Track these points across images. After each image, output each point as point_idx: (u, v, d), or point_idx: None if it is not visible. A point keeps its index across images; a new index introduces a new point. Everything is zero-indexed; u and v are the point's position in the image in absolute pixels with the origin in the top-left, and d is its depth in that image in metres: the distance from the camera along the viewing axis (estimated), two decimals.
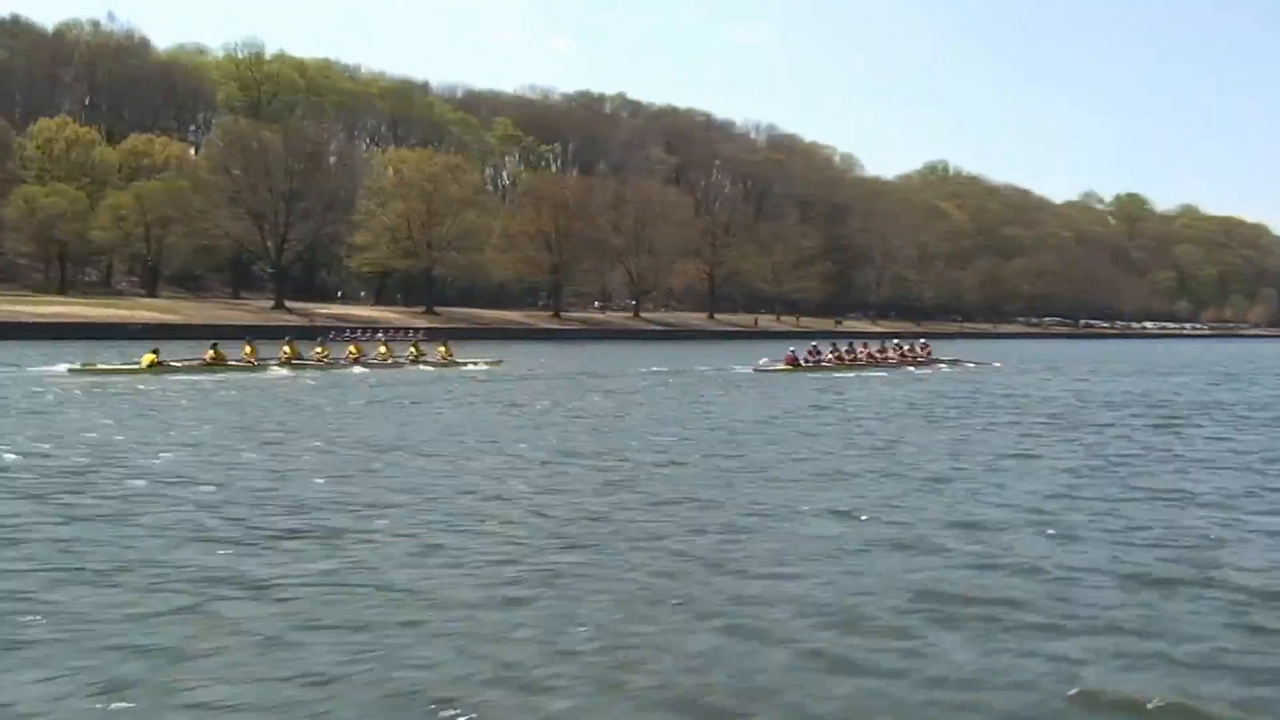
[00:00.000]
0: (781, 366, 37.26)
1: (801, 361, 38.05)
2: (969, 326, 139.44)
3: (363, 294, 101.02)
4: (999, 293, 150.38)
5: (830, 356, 39.40)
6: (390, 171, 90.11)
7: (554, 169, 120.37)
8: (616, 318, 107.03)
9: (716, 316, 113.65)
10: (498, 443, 17.00)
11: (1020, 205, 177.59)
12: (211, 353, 32.78)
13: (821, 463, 15.12)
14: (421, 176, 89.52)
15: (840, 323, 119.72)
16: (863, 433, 19.42)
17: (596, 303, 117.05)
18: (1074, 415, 23.80)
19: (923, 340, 49.14)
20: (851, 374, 37.09)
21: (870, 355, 41.43)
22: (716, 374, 38.22)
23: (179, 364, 31.69)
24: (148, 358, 30.71)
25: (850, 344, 42.72)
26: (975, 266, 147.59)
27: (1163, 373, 46.51)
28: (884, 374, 38.12)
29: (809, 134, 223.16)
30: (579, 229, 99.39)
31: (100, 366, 31.52)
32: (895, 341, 46.77)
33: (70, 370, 30.47)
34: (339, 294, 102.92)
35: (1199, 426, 21.68)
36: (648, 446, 16.77)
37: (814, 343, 42.57)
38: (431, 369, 37.32)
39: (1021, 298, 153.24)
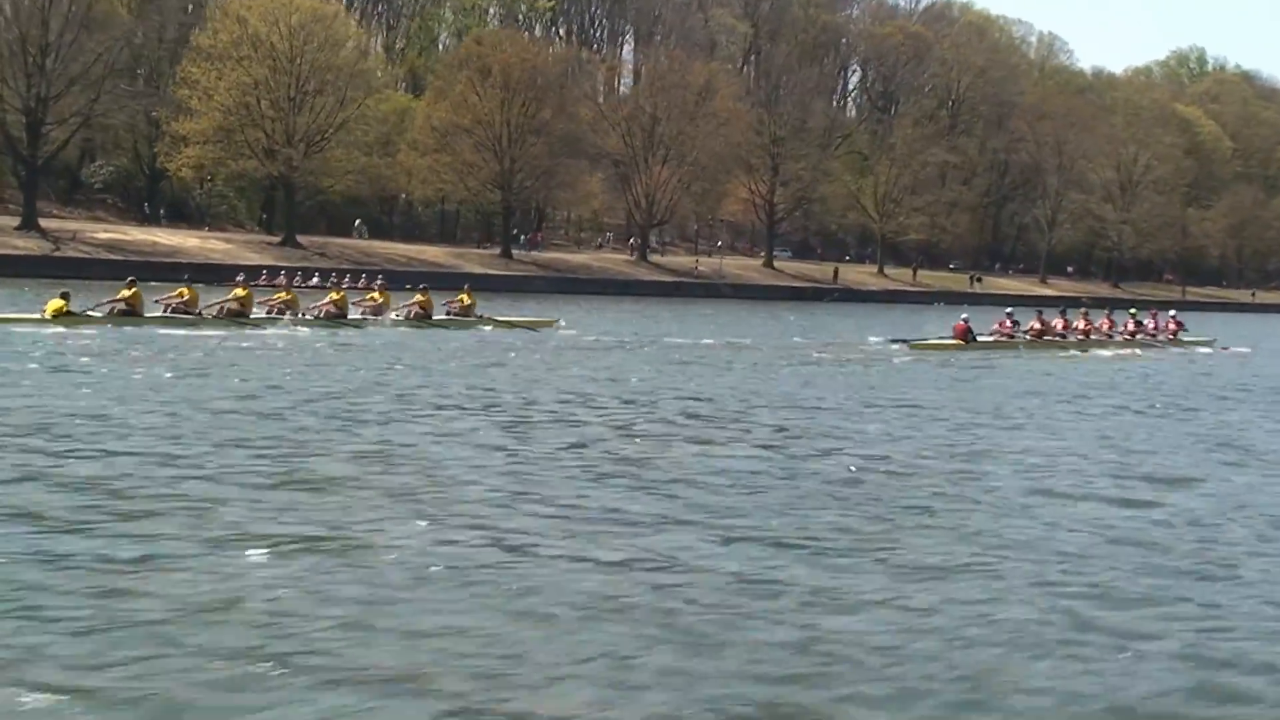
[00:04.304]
0: (946, 341, 34.00)
1: (998, 334, 35.49)
2: (1202, 293, 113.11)
3: (142, 212, 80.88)
4: (1256, 244, 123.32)
5: (1033, 329, 36.42)
6: (228, 22, 72.04)
7: (546, 37, 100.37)
8: (613, 261, 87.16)
9: (777, 264, 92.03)
10: None
11: None
12: (126, 292, 29.40)
13: None
14: (276, 31, 71.49)
15: (978, 280, 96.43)
16: None
17: (630, 240, 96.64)
18: None
19: (1172, 312, 44.66)
20: (1079, 354, 34.86)
21: (1087, 329, 37.99)
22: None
23: (95, 312, 28.96)
24: (54, 304, 27.99)
25: (1064, 311, 39.32)
26: (1225, 204, 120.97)
27: None
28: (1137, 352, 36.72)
29: (996, 5, 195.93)
30: (544, 122, 79.72)
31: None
32: (1133, 311, 42.52)
33: None
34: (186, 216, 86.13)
35: None
36: None
37: (1009, 309, 37.69)
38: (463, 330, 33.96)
39: None
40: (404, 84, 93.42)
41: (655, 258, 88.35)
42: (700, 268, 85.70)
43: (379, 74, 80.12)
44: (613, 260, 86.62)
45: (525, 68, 78.66)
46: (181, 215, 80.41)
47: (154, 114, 74.54)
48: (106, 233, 67.98)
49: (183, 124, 70.83)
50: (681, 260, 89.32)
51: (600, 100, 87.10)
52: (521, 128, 78.89)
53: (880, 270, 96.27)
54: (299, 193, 76.63)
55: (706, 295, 78.55)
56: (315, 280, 51.58)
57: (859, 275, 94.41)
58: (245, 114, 72.11)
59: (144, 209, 76.98)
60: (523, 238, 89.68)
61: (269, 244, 72.82)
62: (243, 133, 72.30)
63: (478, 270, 75.16)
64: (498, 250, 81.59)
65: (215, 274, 52.13)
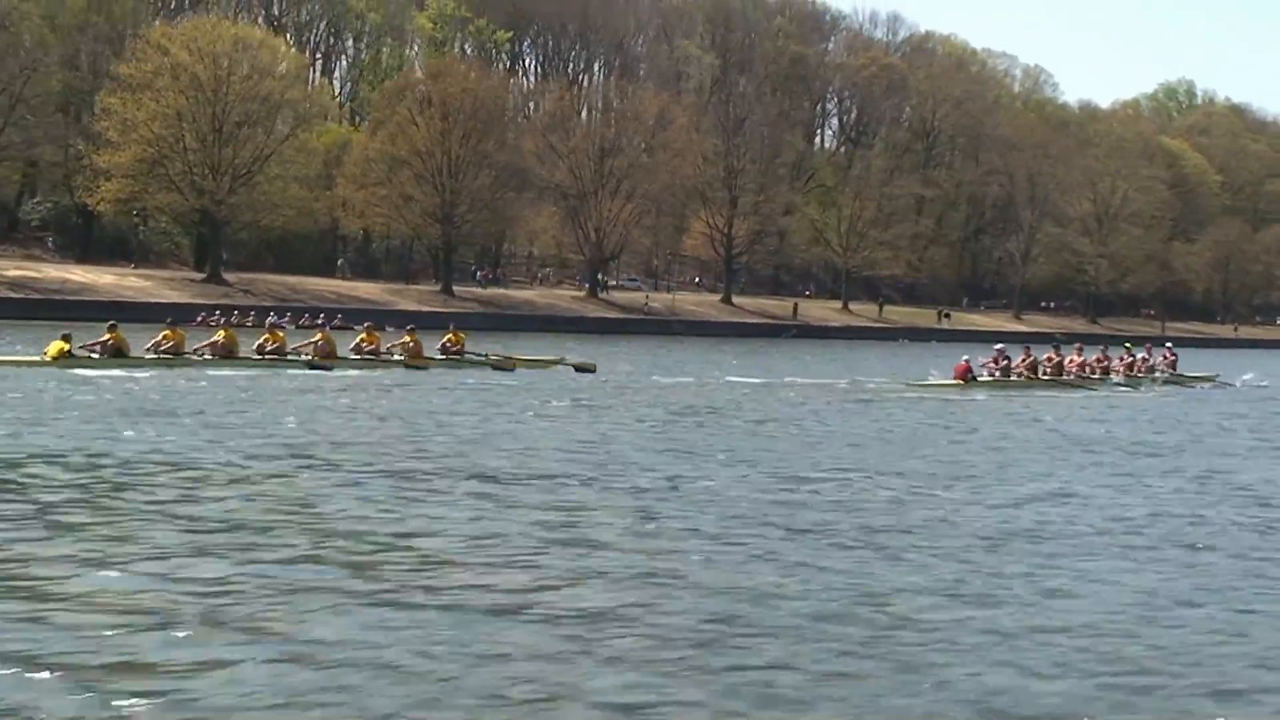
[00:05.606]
0: (947, 380, 32.67)
1: (988, 373, 33.33)
2: (1183, 328, 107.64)
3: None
4: (1242, 278, 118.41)
5: (1021, 366, 34.43)
6: (149, 51, 67.77)
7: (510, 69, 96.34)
8: (560, 297, 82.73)
9: (736, 301, 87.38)
10: None
11: None
12: (110, 335, 28.22)
13: None
14: (199, 60, 67.45)
15: (946, 316, 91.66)
16: None
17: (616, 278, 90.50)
18: None
19: (1168, 344, 43.45)
20: (1078, 394, 32.55)
21: (1081, 366, 35.91)
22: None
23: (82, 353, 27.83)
24: (56, 345, 27.12)
25: (1058, 346, 37.63)
26: (1210, 237, 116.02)
27: None
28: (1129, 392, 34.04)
29: (981, 39, 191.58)
30: (486, 153, 75.53)
31: None
32: (1127, 345, 41.02)
33: None
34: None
35: None
36: None
37: (999, 346, 36.05)
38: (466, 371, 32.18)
39: (1270, 284, 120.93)
40: (357, 117, 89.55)
41: (608, 294, 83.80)
42: (652, 304, 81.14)
43: (309, 104, 75.46)
44: (560, 296, 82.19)
45: (465, 97, 74.52)
46: (124, 253, 76.43)
47: (75, 147, 70.65)
48: (16, 269, 63.81)
49: (102, 156, 66.76)
50: (634, 296, 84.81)
51: (552, 131, 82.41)
52: (462, 159, 74.73)
53: (844, 306, 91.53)
54: (230, 227, 72.57)
55: (658, 332, 74.29)
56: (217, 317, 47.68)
57: (821, 311, 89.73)
58: (167, 146, 68.06)
59: (49, 244, 72.89)
60: (477, 274, 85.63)
61: (192, 281, 68.76)
62: (165, 165, 68.26)
63: (412, 307, 70.70)
64: (439, 286, 77.27)
65: (119, 313, 48.34)
